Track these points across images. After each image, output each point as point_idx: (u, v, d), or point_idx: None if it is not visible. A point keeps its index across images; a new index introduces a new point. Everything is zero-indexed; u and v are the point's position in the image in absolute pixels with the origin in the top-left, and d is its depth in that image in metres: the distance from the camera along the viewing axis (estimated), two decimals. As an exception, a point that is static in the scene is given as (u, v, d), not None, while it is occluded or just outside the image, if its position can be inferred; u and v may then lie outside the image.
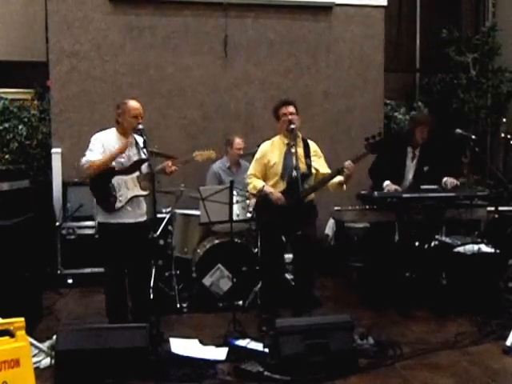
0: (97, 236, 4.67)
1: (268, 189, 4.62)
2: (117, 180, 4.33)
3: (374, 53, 7.51)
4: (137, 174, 4.42)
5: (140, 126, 4.34)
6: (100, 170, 4.30)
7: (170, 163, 4.49)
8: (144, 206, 4.57)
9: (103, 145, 4.35)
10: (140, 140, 4.41)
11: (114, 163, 4.35)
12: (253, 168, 4.82)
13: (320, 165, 4.77)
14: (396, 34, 8.72)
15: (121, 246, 4.37)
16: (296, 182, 4.42)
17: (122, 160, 4.39)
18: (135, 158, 4.43)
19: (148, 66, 6.95)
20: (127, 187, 4.37)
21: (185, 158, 4.63)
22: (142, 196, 4.45)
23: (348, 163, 4.44)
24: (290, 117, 4.63)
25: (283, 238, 4.66)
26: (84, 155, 4.35)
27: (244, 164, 5.99)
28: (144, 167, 4.45)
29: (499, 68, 8.14)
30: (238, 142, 6.00)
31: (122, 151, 4.33)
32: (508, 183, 5.70)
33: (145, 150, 4.33)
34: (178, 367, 3.78)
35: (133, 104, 4.42)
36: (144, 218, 4.55)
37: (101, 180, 4.33)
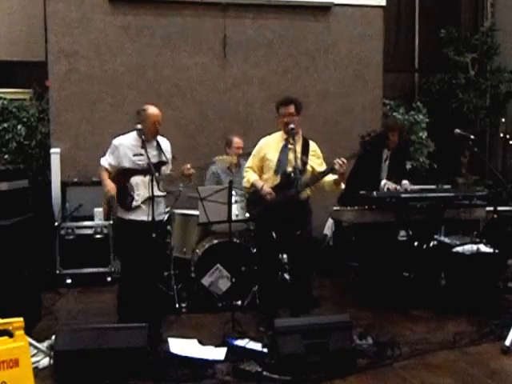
0: (113, 231, 5.04)
1: (259, 183, 4.63)
2: (135, 180, 4.54)
3: (373, 53, 7.51)
4: (155, 175, 4.50)
5: (139, 126, 4.46)
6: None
7: (188, 166, 4.58)
8: (162, 206, 4.76)
9: (119, 149, 4.59)
10: (162, 141, 4.73)
11: (130, 165, 4.58)
12: (250, 161, 4.85)
13: (318, 164, 4.77)
14: (395, 34, 8.74)
15: (137, 242, 4.50)
16: (290, 177, 4.45)
17: (141, 162, 4.54)
18: (155, 160, 4.55)
19: (147, 66, 6.96)
20: (145, 187, 4.51)
21: (205, 163, 4.93)
22: (159, 196, 4.57)
23: (339, 160, 4.43)
24: (285, 119, 4.62)
25: (274, 236, 4.65)
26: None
27: (243, 164, 5.98)
28: (164, 169, 4.62)
29: (498, 68, 8.16)
30: (236, 141, 6.00)
31: (108, 193, 4.56)
32: (507, 183, 5.72)
33: (166, 154, 4.66)
34: (176, 367, 3.77)
35: (153, 111, 4.64)
36: (161, 218, 4.77)
37: (120, 179, 4.57)
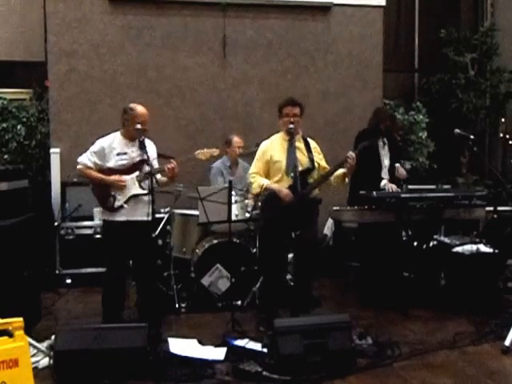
0: (101, 234, 4.75)
1: (274, 186, 4.61)
2: None
3: (373, 53, 7.51)
4: (136, 173, 4.51)
5: (138, 126, 4.43)
6: (86, 178, 4.60)
7: (172, 164, 4.49)
8: (148, 207, 4.59)
9: (105, 150, 4.49)
10: (147, 142, 4.57)
11: (114, 165, 4.49)
12: (255, 167, 4.80)
13: (320, 160, 4.81)
14: (395, 34, 8.73)
15: (124, 244, 4.46)
16: (299, 176, 4.45)
17: (125, 162, 4.51)
18: (138, 159, 4.53)
19: (147, 66, 6.96)
20: (127, 186, 4.48)
21: (186, 157, 4.67)
22: (141, 195, 4.51)
23: (351, 154, 4.50)
24: (291, 119, 4.64)
25: (289, 237, 4.66)
26: (85, 152, 4.58)
27: (242, 164, 5.98)
28: (146, 167, 4.52)
29: (498, 68, 8.16)
30: (236, 140, 5.99)
31: (114, 184, 4.45)
32: (506, 183, 5.71)
33: (149, 152, 4.49)
34: (176, 367, 3.77)
35: (140, 111, 4.50)
36: (147, 218, 4.57)
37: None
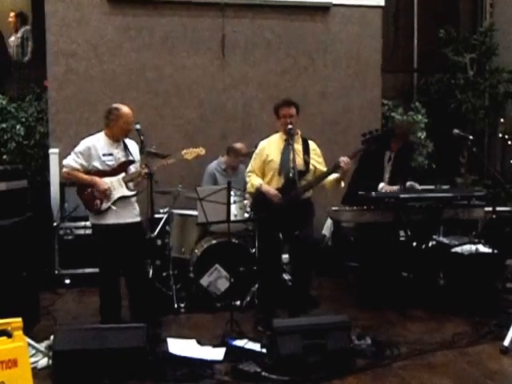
0: (91, 238, 4.76)
1: (265, 187, 4.64)
2: (105, 181, 4.43)
3: (372, 53, 7.51)
4: (122, 174, 4.50)
5: (137, 126, 4.46)
6: (72, 180, 4.55)
7: (143, 167, 4.49)
8: (136, 207, 4.64)
9: (91, 150, 4.43)
10: (129, 142, 4.58)
11: (100, 166, 4.45)
12: (252, 165, 4.85)
13: (318, 163, 4.79)
14: (393, 34, 8.73)
15: (114, 247, 4.44)
16: (293, 178, 4.44)
17: (111, 163, 4.47)
18: (123, 160, 4.52)
19: (145, 66, 6.95)
20: (114, 188, 4.45)
21: (173, 158, 4.67)
22: (128, 196, 4.51)
23: (344, 158, 4.50)
24: (288, 120, 4.64)
25: (280, 237, 4.67)
26: (70, 154, 4.50)
27: (241, 166, 5.95)
28: (131, 168, 4.54)
29: (497, 68, 8.16)
30: (243, 153, 5.90)
31: (101, 191, 4.39)
32: (505, 183, 5.71)
33: (132, 153, 4.53)
34: (175, 367, 3.77)
35: (126, 111, 4.47)
36: (137, 219, 4.63)
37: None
